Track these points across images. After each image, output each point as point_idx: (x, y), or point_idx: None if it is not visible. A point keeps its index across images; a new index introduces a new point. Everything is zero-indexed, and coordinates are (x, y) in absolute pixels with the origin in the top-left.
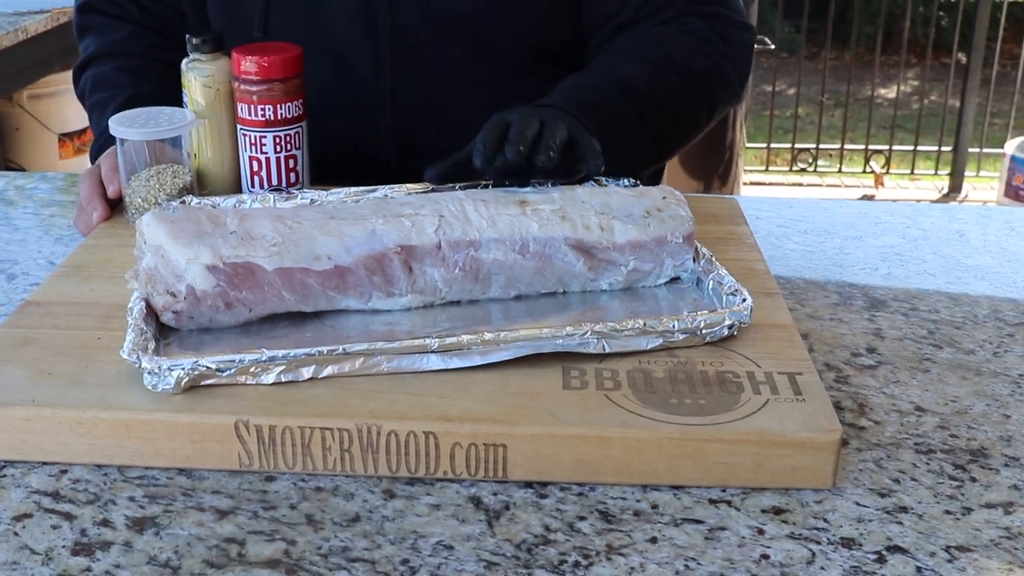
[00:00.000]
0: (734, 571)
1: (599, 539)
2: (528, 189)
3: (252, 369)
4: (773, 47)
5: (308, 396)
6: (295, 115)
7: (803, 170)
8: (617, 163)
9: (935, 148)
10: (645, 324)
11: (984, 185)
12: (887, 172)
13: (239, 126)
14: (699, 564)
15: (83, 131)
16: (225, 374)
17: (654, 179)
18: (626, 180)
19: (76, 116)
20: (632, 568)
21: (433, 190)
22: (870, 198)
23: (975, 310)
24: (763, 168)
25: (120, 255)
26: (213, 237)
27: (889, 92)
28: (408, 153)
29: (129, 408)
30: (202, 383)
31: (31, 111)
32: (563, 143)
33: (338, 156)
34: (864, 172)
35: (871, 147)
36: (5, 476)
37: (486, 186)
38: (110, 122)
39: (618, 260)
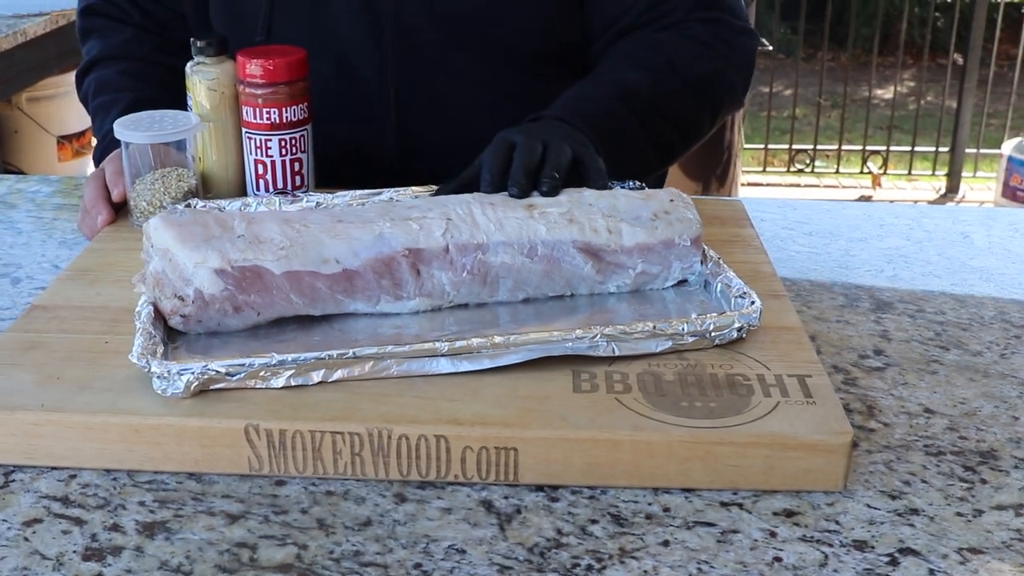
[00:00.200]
0: (747, 574)
1: (611, 542)
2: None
3: (262, 373)
4: (770, 48)
5: (318, 400)
6: (300, 118)
7: (800, 171)
8: (621, 171)
9: (932, 149)
10: (655, 327)
11: (981, 186)
12: (884, 173)
13: (244, 129)
14: (712, 567)
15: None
16: (235, 378)
17: (658, 182)
18: (631, 182)
19: (75, 119)
20: (645, 571)
21: (439, 189)
22: (868, 199)
23: (981, 312)
24: (760, 169)
25: (126, 259)
26: (221, 241)
27: (886, 93)
28: (411, 155)
29: (139, 412)
30: (211, 387)
31: (30, 114)
32: (568, 166)
33: (341, 158)
34: (862, 173)
35: (868, 148)
36: (14, 481)
37: None
38: (115, 125)
39: (626, 263)
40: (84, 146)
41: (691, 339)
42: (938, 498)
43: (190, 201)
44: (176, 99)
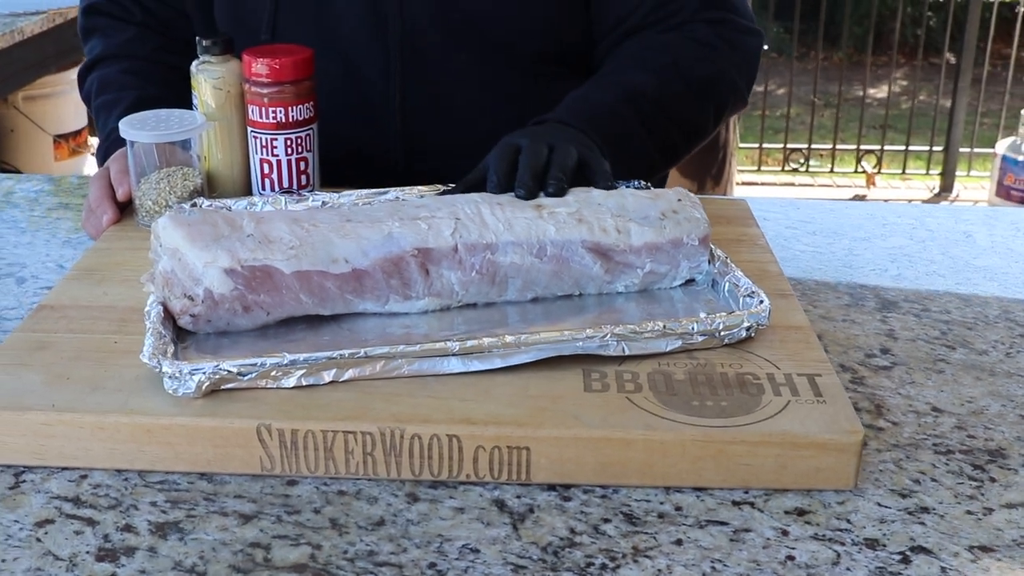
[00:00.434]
0: (760, 572)
1: (624, 541)
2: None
3: (273, 373)
4: (765, 47)
5: (329, 400)
6: (306, 117)
7: (795, 170)
8: (626, 173)
9: (926, 148)
10: (665, 326)
11: (975, 185)
12: (879, 172)
13: (250, 128)
14: (725, 566)
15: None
16: (246, 378)
17: (658, 183)
18: (637, 181)
19: (71, 117)
20: (659, 570)
21: (445, 192)
22: (862, 198)
23: (986, 311)
24: (755, 168)
25: (132, 258)
26: (230, 240)
27: (880, 92)
28: (415, 155)
29: (150, 413)
30: (223, 387)
31: (26, 112)
32: (574, 168)
33: (345, 157)
34: (856, 172)
35: (862, 147)
36: (25, 482)
37: None
38: (120, 124)
39: (634, 262)
40: (80, 145)
41: (700, 338)
42: (948, 496)
43: (196, 200)
44: (179, 98)
